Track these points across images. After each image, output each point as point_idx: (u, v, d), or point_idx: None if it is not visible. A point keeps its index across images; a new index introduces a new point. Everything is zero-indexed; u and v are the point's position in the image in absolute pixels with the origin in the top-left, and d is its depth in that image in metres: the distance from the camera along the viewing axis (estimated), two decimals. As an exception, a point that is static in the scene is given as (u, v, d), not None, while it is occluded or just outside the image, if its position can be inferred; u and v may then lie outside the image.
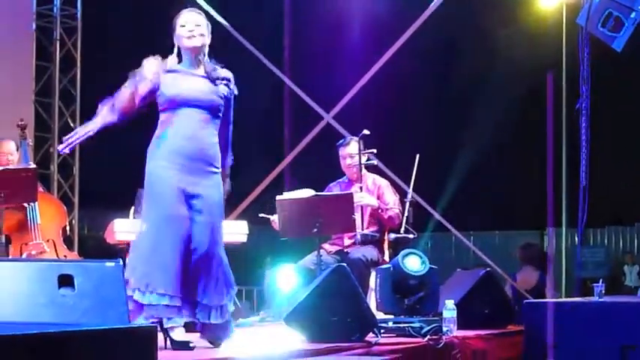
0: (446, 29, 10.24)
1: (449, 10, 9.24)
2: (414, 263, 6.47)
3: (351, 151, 7.22)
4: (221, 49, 9.74)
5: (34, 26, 9.86)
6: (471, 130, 10.75)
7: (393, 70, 10.35)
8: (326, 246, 7.16)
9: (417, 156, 7.21)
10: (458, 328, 5.85)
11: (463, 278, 7.07)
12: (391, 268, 6.52)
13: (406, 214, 7.02)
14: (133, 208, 7.49)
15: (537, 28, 10.51)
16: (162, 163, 5.04)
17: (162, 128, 5.12)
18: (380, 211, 7.12)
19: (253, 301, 9.51)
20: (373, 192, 7.23)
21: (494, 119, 11.28)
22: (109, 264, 4.48)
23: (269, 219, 6.93)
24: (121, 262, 4.58)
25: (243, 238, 7.05)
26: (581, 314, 5.83)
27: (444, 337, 5.59)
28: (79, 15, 10.27)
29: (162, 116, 5.14)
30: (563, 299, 7.95)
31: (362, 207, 7.09)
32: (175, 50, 5.25)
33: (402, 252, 6.59)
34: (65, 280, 4.33)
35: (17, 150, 8.12)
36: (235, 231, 7.01)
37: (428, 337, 5.51)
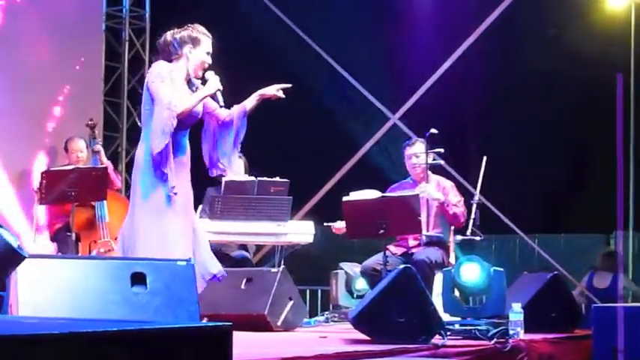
0: (514, 30, 10.17)
1: (516, 11, 9.18)
2: (471, 273, 6.39)
3: (416, 151, 7.19)
4: (283, 48, 9.83)
5: (103, 27, 10.00)
6: (538, 131, 10.65)
7: (459, 71, 10.32)
8: (391, 247, 7.15)
9: (485, 158, 7.17)
10: (525, 332, 5.81)
11: (529, 281, 7.01)
12: (453, 272, 6.48)
13: (473, 215, 6.98)
14: (200, 207, 7.54)
15: (606, 29, 10.39)
16: None
17: None
18: (445, 205, 7.08)
19: (318, 302, 9.52)
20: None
21: (562, 120, 11.17)
22: (180, 263, 4.55)
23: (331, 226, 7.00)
24: (192, 261, 4.65)
25: (310, 239, 7.07)
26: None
27: (510, 341, 5.56)
28: (147, 16, 10.39)
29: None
30: (634, 304, 7.86)
31: (427, 207, 7.06)
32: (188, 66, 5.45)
33: (460, 260, 6.52)
34: (137, 278, 4.40)
35: (87, 148, 8.26)
36: (301, 231, 7.04)
37: (495, 340, 5.48)
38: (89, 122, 8.39)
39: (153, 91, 5.33)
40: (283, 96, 5.64)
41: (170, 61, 5.48)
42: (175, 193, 5.23)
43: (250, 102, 5.64)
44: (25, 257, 4.56)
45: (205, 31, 5.51)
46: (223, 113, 5.60)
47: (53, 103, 9.01)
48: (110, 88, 10.07)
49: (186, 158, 5.44)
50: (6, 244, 4.57)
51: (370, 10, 10.60)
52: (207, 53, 5.48)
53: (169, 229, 5.20)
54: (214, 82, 5.43)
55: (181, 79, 5.46)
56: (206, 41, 5.48)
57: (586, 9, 10.49)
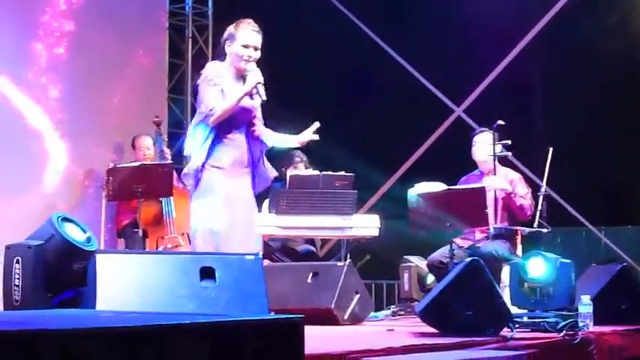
0: (578, 19, 10.06)
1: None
2: (538, 268, 6.34)
3: (485, 143, 7.16)
4: (343, 41, 9.83)
5: (167, 24, 10.10)
6: (604, 121, 10.52)
7: (523, 61, 10.24)
8: (457, 240, 7.14)
9: (551, 149, 7.11)
10: (594, 324, 5.76)
11: (598, 273, 6.93)
12: (519, 266, 6.43)
13: (539, 207, 6.93)
14: (267, 201, 7.59)
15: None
16: None
17: None
18: (512, 196, 7.04)
19: (383, 295, 9.51)
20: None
21: (628, 109, 11.02)
22: (249, 257, 4.59)
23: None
24: (260, 255, 4.69)
25: (375, 232, 7.07)
26: None
27: (579, 333, 5.50)
28: (209, 13, 10.49)
29: None
30: None
31: (495, 200, 7.03)
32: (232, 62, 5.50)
33: (526, 255, 6.46)
34: (207, 273, 4.45)
35: (153, 145, 8.35)
36: (367, 225, 7.04)
37: (564, 332, 5.43)
38: (155, 119, 8.49)
39: (199, 92, 5.45)
40: (317, 138, 5.66)
41: (224, 60, 5.56)
42: None
43: (283, 142, 5.73)
44: (92, 251, 4.65)
45: (245, 25, 5.49)
46: (260, 127, 5.67)
47: (118, 100, 9.11)
48: (174, 85, 10.17)
49: (240, 156, 5.50)
50: (66, 241, 4.66)
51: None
52: (244, 46, 5.46)
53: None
54: (253, 76, 5.41)
55: (231, 78, 5.50)
56: (242, 34, 5.47)
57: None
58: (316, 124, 5.68)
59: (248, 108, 5.52)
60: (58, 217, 4.88)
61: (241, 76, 5.53)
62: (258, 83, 5.40)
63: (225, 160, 5.46)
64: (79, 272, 4.58)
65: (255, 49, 5.50)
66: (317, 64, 9.86)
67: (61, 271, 4.70)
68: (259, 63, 5.52)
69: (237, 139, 5.53)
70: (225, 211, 5.37)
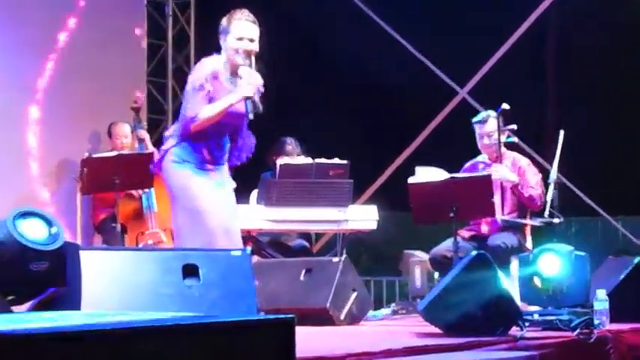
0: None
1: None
2: (550, 263, 6.34)
3: (489, 130, 7.14)
4: (338, 19, 9.81)
5: (145, 1, 10.03)
6: (620, 104, 10.53)
7: (531, 38, 10.23)
8: (462, 232, 7.13)
9: (562, 132, 7.10)
10: (611, 321, 5.77)
11: (615, 266, 6.93)
12: (530, 261, 6.42)
13: (550, 196, 6.93)
14: (255, 192, 7.58)
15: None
16: None
17: None
18: (520, 187, 7.04)
19: (383, 293, 9.53)
20: (513, 173, 7.16)
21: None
22: (235, 252, 4.59)
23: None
24: (248, 251, 4.69)
25: (373, 225, 7.08)
26: None
27: (595, 331, 5.50)
28: (191, -11, 10.43)
29: None
30: None
31: (502, 188, 7.03)
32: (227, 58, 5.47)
33: (537, 250, 6.45)
34: (190, 270, 4.45)
35: (132, 133, 8.33)
36: (364, 217, 7.04)
37: (578, 330, 5.44)
38: (133, 105, 8.46)
39: (185, 91, 5.48)
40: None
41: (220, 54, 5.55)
42: None
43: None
44: (54, 250, 4.63)
45: (239, 15, 5.47)
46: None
47: (94, 85, 9.06)
48: (154, 67, 10.13)
49: (222, 159, 5.55)
50: (17, 242, 4.64)
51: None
52: (239, 39, 5.45)
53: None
54: (243, 88, 5.34)
55: (226, 76, 5.49)
56: (236, 25, 5.45)
57: None
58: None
59: (239, 113, 5.49)
60: (15, 215, 4.83)
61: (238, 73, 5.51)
62: (247, 98, 5.34)
63: (199, 158, 5.47)
64: (39, 273, 4.56)
65: (251, 40, 5.47)
66: (315, 44, 9.85)
67: (17, 273, 4.66)
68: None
69: (222, 142, 5.54)
70: (207, 207, 5.37)
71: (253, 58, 5.48)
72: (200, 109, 5.35)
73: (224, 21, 5.51)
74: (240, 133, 5.66)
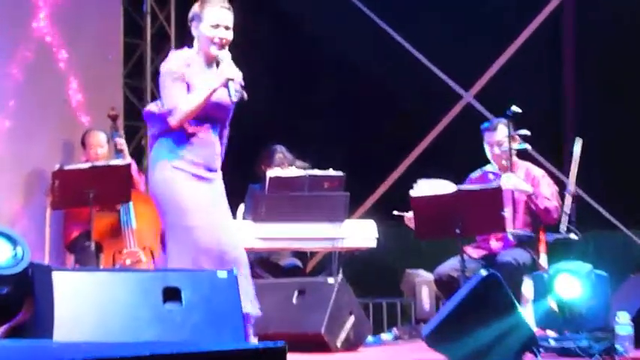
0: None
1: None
2: (568, 285, 6.32)
3: (499, 138, 7.11)
4: (342, 22, 9.82)
5: (121, -2, 10.00)
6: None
7: (543, 37, 10.24)
8: (469, 250, 7.11)
9: (579, 141, 7.08)
10: (635, 347, 5.76)
11: (638, 286, 6.93)
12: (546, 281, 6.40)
13: (567, 210, 6.91)
14: (242, 206, 7.56)
15: None
16: None
17: None
18: (535, 198, 7.02)
19: (383, 316, 9.50)
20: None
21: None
22: (221, 273, 4.56)
23: (403, 217, 6.89)
24: (235, 272, 4.66)
25: (372, 243, 7.04)
26: None
27: (618, 358, 5.51)
28: (170, -16, 10.42)
29: None
30: None
31: (514, 201, 7.01)
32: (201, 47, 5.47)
33: (553, 270, 6.43)
34: (171, 294, 4.42)
35: (108, 142, 8.30)
36: (361, 234, 7.00)
37: (598, 357, 5.44)
38: (110, 112, 8.43)
39: (160, 89, 5.46)
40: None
41: (192, 46, 5.52)
42: None
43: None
44: (18, 273, 4.59)
45: (212, 1, 5.44)
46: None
47: (66, 90, 9.03)
48: (131, 69, 10.10)
49: (210, 156, 5.48)
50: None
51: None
52: (213, 26, 5.42)
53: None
54: (224, 69, 5.35)
55: (200, 67, 5.45)
56: (209, 12, 5.42)
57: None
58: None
59: (223, 105, 5.45)
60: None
61: (214, 63, 5.48)
62: (230, 80, 5.34)
63: (192, 161, 5.40)
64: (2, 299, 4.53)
65: (227, 28, 5.44)
66: (315, 48, 9.86)
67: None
68: (234, 55, 5.45)
69: (208, 137, 5.48)
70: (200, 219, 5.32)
71: (227, 53, 5.44)
72: (180, 100, 5.31)
73: (196, 7, 5.48)
74: (225, 129, 5.65)
